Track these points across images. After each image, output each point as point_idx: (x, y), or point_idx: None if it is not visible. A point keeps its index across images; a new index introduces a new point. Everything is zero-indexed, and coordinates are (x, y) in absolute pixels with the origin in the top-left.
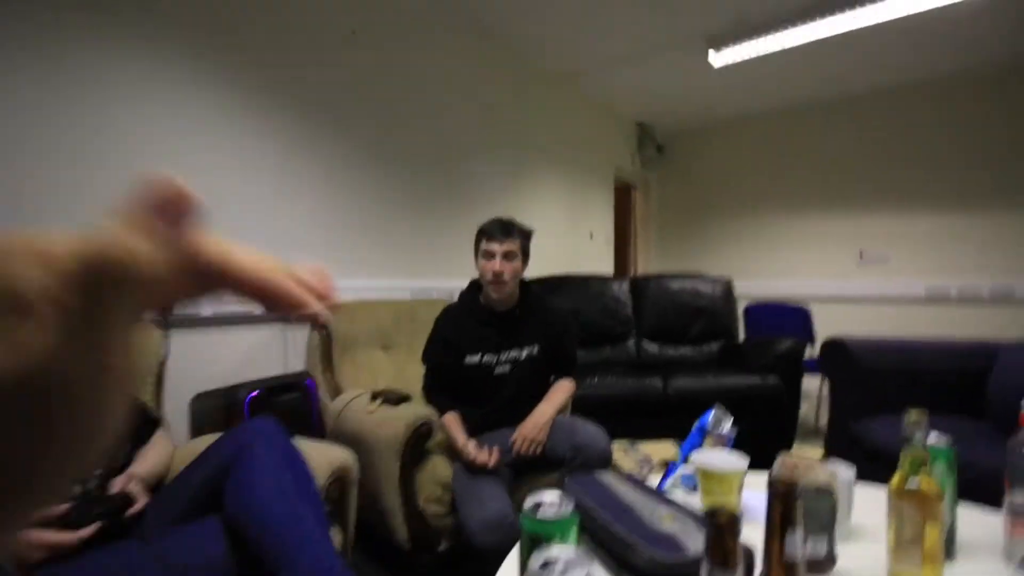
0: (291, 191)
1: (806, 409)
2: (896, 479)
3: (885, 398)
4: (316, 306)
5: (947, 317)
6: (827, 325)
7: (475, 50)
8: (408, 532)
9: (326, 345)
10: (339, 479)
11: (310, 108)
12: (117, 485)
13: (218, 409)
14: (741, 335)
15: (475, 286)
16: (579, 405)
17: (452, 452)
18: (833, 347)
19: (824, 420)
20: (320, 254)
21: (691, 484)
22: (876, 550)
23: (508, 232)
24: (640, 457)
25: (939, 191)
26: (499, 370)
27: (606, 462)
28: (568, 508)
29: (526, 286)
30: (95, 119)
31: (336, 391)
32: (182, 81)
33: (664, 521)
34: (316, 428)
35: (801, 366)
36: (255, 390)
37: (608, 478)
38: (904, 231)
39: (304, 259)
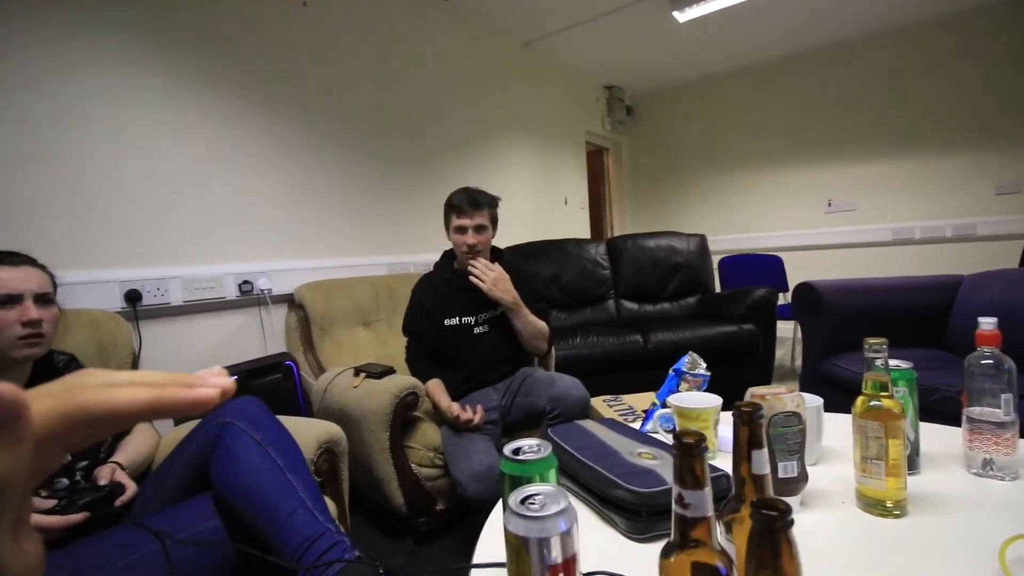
0: (261, 177)
1: (782, 353)
2: (859, 401)
3: (854, 337)
4: (214, 398)
5: (913, 258)
6: (799, 273)
7: (437, 19)
8: (404, 497)
9: (304, 326)
10: (328, 451)
11: (273, 89)
12: (102, 475)
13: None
14: (717, 288)
15: (449, 255)
16: (563, 365)
17: (439, 416)
18: (803, 291)
19: (799, 362)
20: (293, 236)
21: (670, 425)
22: (845, 470)
23: (477, 205)
24: (624, 408)
25: (900, 139)
26: (478, 329)
27: (584, 409)
28: (546, 451)
29: (497, 251)
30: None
31: (319, 370)
32: (132, 66)
33: (643, 458)
34: (302, 408)
35: (774, 313)
36: (234, 374)
37: (589, 425)
38: (869, 179)
39: (277, 242)
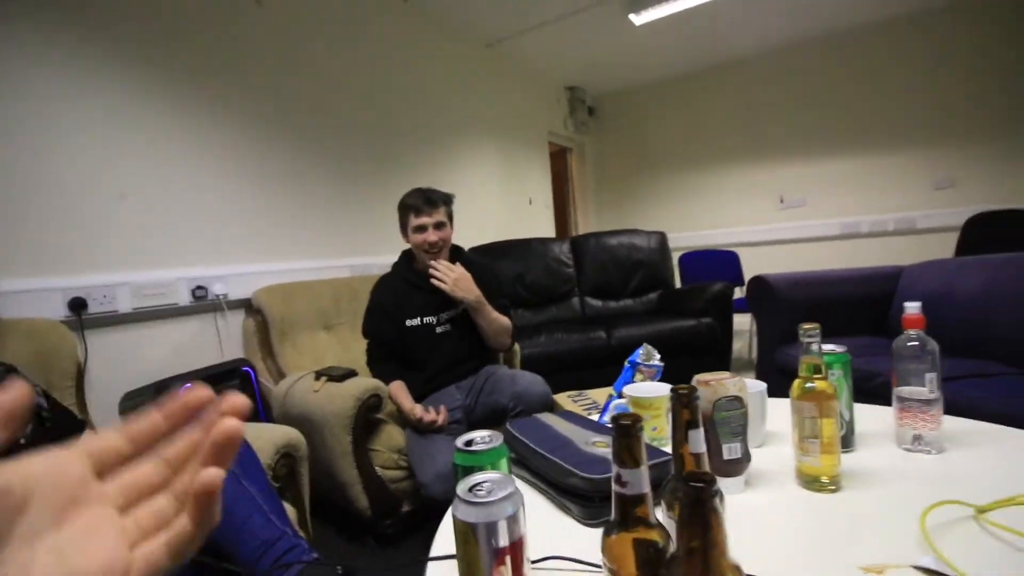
0: (215, 178)
1: (740, 345)
2: (796, 384)
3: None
4: None
5: (859, 250)
6: (754, 267)
7: (398, 20)
8: (368, 500)
9: (263, 332)
10: (287, 456)
11: (229, 88)
12: None
13: (149, 406)
14: (677, 283)
15: (407, 255)
16: (529, 363)
17: (402, 418)
18: (757, 285)
19: (756, 353)
20: (250, 239)
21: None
22: (787, 451)
23: (433, 202)
24: (588, 403)
25: (847, 138)
26: (440, 329)
27: (546, 405)
28: (498, 441)
29: (456, 249)
30: None
31: (279, 376)
32: (75, 64)
33: (597, 447)
34: (261, 415)
35: (731, 306)
36: (188, 382)
37: (547, 418)
38: (819, 176)
39: (233, 246)
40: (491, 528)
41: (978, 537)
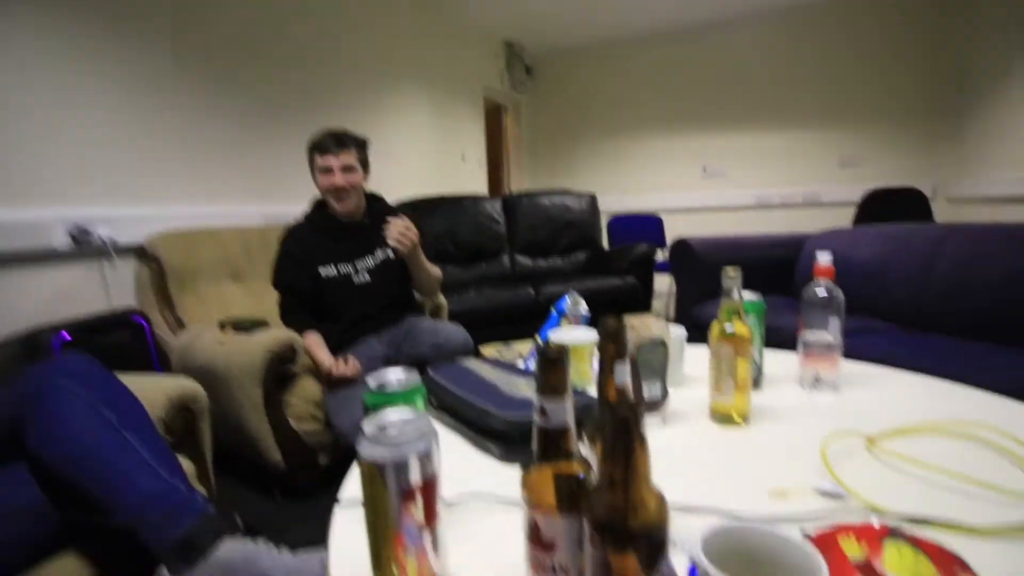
0: (103, 105)
1: (660, 304)
2: (715, 326)
3: (719, 286)
4: None
5: (771, 220)
6: (676, 232)
7: None
8: (283, 454)
9: (159, 280)
10: (183, 409)
11: (143, 25)
12: None
13: (18, 357)
14: (605, 245)
15: (319, 202)
16: (456, 318)
17: (319, 373)
18: (679, 246)
19: (674, 311)
20: (146, 177)
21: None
22: (702, 391)
23: (342, 143)
24: (514, 355)
25: (766, 115)
26: (358, 279)
27: (468, 355)
28: (413, 379)
29: (372, 197)
30: None
31: (180, 328)
32: None
33: (522, 388)
34: (156, 368)
35: (653, 267)
36: (66, 331)
37: (470, 363)
38: (738, 149)
39: (123, 185)
40: (400, 467)
41: (870, 463)
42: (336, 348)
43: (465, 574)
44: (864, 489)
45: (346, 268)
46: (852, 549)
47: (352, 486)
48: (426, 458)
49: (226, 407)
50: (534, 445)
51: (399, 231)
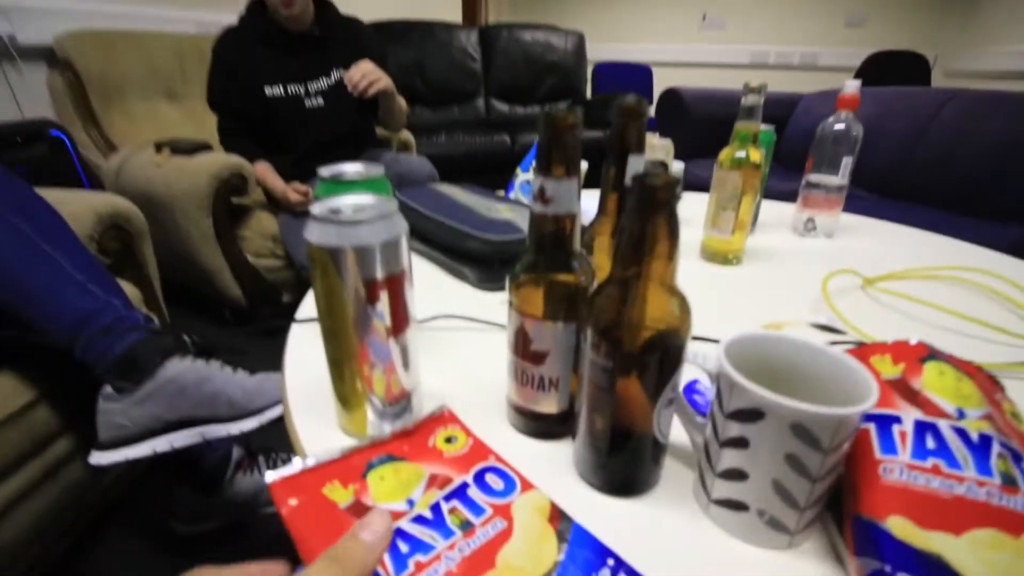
0: None
1: None
2: (726, 152)
3: (709, 143)
4: None
5: (765, 80)
6: (665, 86)
7: None
8: (241, 289)
9: (78, 92)
10: (115, 228)
11: None
12: None
13: None
14: (589, 94)
15: (257, 5)
16: None
17: (273, 205)
18: (669, 97)
19: None
20: None
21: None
22: (694, 233)
23: None
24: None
25: None
26: (310, 103)
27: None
28: (376, 170)
29: (320, 2)
30: None
31: (109, 150)
32: None
33: (501, 212)
34: (86, 188)
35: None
36: None
37: (443, 187)
38: None
39: None
40: (359, 254)
41: (866, 302)
42: (287, 183)
43: (439, 391)
44: (861, 326)
45: (296, 89)
46: (886, 368)
47: (310, 304)
48: (391, 247)
49: (173, 238)
50: (529, 238)
51: (357, 82)
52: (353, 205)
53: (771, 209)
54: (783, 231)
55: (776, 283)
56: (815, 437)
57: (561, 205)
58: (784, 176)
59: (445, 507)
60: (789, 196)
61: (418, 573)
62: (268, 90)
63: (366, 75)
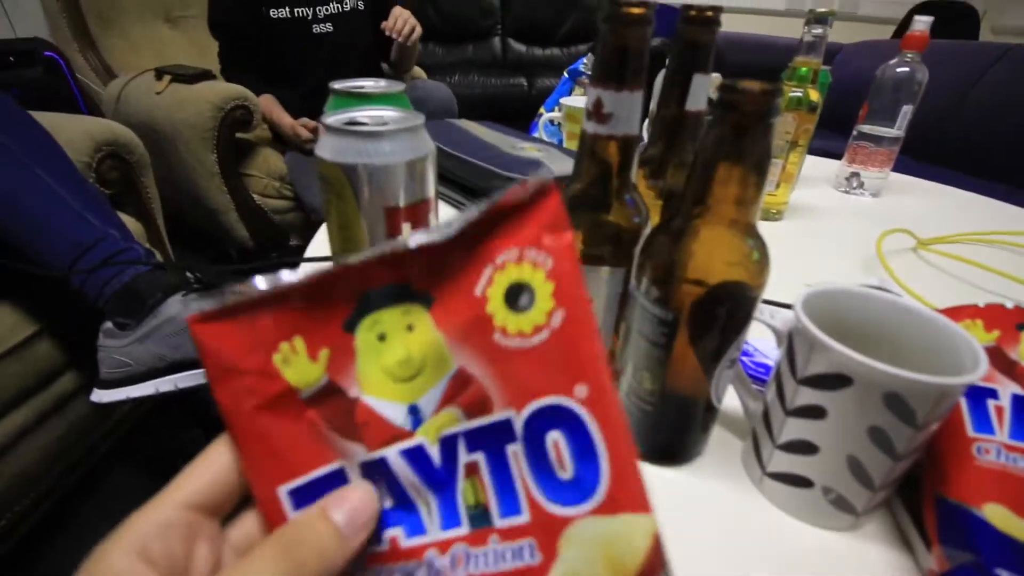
0: None
1: None
2: (784, 86)
3: None
4: None
5: (798, 31)
6: None
7: None
8: (248, 230)
9: (74, 13)
10: (114, 157)
11: None
12: None
13: None
14: None
15: None
16: None
17: (281, 142)
18: None
19: None
20: None
21: (557, 138)
22: None
23: None
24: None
25: None
26: (318, 28)
27: (450, 114)
28: (398, 87)
29: None
30: None
31: (108, 76)
32: None
33: (528, 151)
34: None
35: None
36: None
37: (463, 123)
38: None
39: None
40: (381, 174)
41: (919, 265)
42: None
43: None
44: (917, 290)
45: (303, 11)
46: (979, 334)
47: (323, 241)
48: (416, 168)
49: (178, 173)
50: (576, 164)
51: (401, 28)
52: (374, 117)
53: (810, 163)
54: (824, 187)
55: (821, 241)
56: (910, 410)
57: (621, 125)
58: (817, 132)
59: (463, 456)
60: (821, 153)
61: (389, 564)
62: (272, 12)
63: (407, 20)
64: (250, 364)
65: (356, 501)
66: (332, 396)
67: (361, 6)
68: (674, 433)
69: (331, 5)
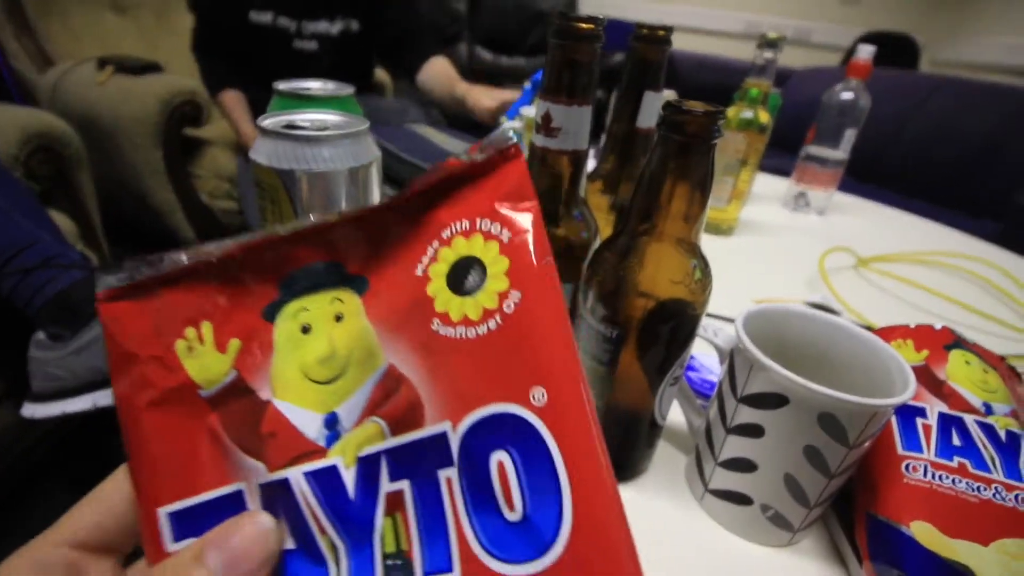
0: None
1: None
2: (732, 110)
3: None
4: None
5: (753, 53)
6: None
7: None
8: (194, 231)
9: None
10: (46, 151)
11: None
12: None
13: None
14: None
15: None
16: None
17: (236, 144)
18: None
19: None
20: None
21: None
22: None
23: None
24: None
25: None
26: (300, 44)
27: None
28: (347, 90)
29: None
30: None
31: (45, 64)
32: None
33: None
34: (17, 103)
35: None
36: None
37: (420, 128)
38: None
39: None
40: (320, 181)
41: (859, 283)
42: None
43: None
44: (857, 308)
45: (286, 22)
46: (909, 354)
47: None
48: (359, 176)
49: (119, 168)
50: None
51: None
52: (314, 120)
53: (762, 181)
54: (773, 204)
55: (769, 257)
56: (843, 429)
57: (570, 139)
58: (770, 151)
59: (384, 484)
60: (775, 172)
61: None
62: (254, 15)
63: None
64: (149, 351)
65: (243, 542)
66: (239, 397)
67: (355, 27)
68: (619, 450)
69: (319, 24)
